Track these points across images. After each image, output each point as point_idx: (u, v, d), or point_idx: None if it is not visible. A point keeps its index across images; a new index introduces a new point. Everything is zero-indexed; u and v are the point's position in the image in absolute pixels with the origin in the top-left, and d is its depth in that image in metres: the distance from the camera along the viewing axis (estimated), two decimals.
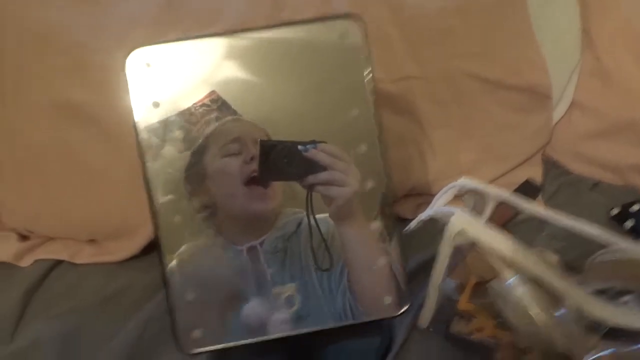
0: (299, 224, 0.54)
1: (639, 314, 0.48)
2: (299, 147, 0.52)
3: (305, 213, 0.53)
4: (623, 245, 0.52)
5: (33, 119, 0.74)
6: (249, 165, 0.53)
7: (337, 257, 0.54)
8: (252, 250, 0.54)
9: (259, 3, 0.72)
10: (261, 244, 0.54)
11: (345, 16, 0.53)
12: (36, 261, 0.76)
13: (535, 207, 0.55)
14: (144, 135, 0.52)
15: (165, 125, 0.53)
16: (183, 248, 0.53)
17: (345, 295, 0.54)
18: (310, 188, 0.53)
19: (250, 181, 0.53)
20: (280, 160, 0.52)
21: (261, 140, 0.52)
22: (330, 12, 0.53)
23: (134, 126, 0.52)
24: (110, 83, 0.70)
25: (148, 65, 0.52)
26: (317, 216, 0.53)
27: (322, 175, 0.52)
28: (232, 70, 0.53)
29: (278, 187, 0.54)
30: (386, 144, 0.55)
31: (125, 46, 0.52)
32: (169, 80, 0.52)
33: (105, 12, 0.73)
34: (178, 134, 0.53)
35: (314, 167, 0.52)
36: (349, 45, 0.53)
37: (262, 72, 0.54)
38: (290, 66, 0.54)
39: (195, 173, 0.54)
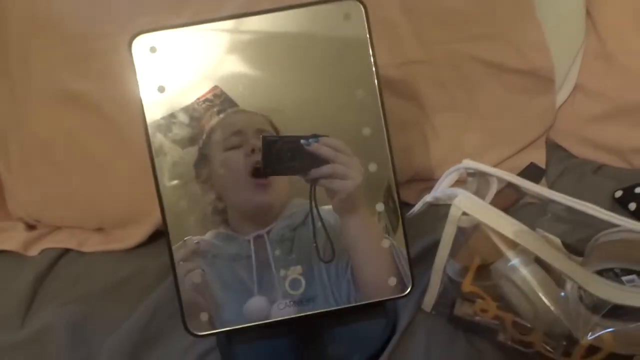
0: (307, 215, 0.54)
1: None
2: (302, 141, 0.52)
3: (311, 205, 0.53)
4: (629, 226, 0.52)
5: (39, 108, 0.75)
6: (250, 157, 0.53)
7: (341, 248, 0.54)
8: (258, 238, 0.54)
9: None
10: (268, 232, 0.54)
11: None
12: (44, 250, 0.77)
13: (541, 188, 0.55)
14: (150, 118, 0.52)
15: (172, 106, 0.53)
16: (189, 234, 0.54)
17: (350, 279, 0.54)
18: (313, 182, 0.53)
19: (253, 173, 0.53)
20: (283, 155, 0.52)
21: (263, 136, 0.52)
22: None
23: (141, 109, 0.52)
24: (115, 71, 0.70)
25: (153, 49, 0.52)
26: (323, 208, 0.54)
27: (325, 169, 0.52)
28: (238, 53, 0.53)
29: (283, 179, 0.54)
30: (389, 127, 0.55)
31: (129, 34, 0.52)
32: (174, 64, 0.53)
33: None
34: (184, 119, 0.53)
35: (317, 161, 0.52)
36: (353, 26, 0.52)
37: (267, 56, 0.54)
38: (295, 49, 0.54)
39: (202, 166, 0.54)
